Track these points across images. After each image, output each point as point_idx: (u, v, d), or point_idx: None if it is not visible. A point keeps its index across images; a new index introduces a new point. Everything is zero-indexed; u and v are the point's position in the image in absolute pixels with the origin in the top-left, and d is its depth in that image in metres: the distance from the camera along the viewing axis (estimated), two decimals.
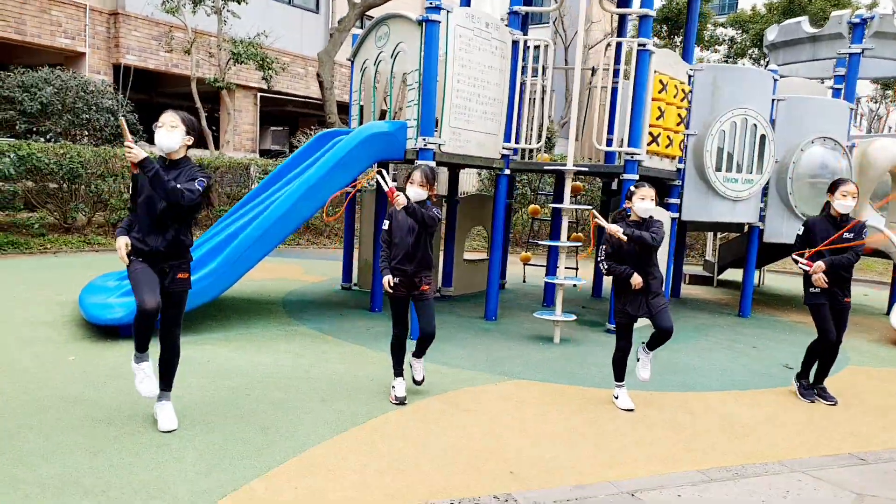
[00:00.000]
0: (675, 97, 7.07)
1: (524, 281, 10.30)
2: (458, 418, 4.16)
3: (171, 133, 3.51)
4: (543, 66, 6.87)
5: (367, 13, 15.83)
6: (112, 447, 3.36)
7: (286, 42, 19.36)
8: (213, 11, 13.61)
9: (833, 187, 4.90)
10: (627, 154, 6.67)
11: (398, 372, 4.51)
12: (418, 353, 4.59)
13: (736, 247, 10.84)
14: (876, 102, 20.29)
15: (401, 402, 4.35)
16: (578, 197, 10.40)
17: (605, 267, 4.56)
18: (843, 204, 4.81)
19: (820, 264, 4.75)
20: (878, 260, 13.12)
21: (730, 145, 7.64)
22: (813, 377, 5.20)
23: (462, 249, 8.69)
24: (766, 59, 10.68)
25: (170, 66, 16.76)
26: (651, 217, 4.58)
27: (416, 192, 4.25)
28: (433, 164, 5.90)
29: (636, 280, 4.40)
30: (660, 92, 6.81)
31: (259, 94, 19.57)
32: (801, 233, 4.94)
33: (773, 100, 8.00)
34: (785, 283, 12.22)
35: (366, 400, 4.37)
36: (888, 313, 8.69)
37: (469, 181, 14.85)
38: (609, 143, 6.81)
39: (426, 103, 5.85)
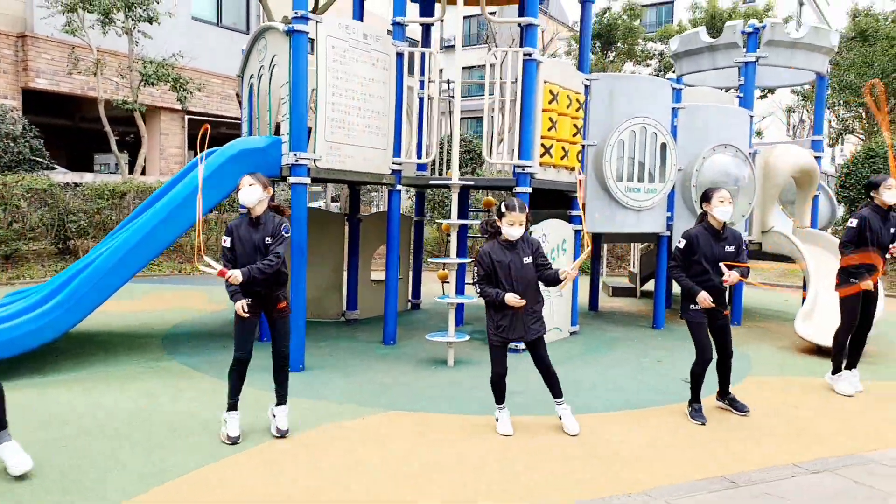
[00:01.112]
0: (568, 107, 6.91)
1: None
2: (301, 463, 3.76)
3: None
4: (430, 80, 6.63)
5: None
6: None
7: (216, 64, 18.84)
8: (124, 32, 13.07)
9: (707, 196, 4.72)
10: (518, 167, 6.46)
11: (232, 404, 4.06)
12: (281, 397, 4.18)
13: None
14: (794, 111, 20.85)
15: (234, 441, 3.93)
16: (490, 212, 10.18)
17: (478, 291, 4.27)
18: (723, 211, 4.62)
19: (735, 273, 4.53)
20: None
21: (630, 155, 7.51)
22: (718, 389, 5.00)
23: (368, 270, 8.33)
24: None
25: (85, 90, 16.05)
26: (529, 237, 4.30)
27: (246, 192, 3.90)
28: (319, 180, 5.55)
29: (511, 300, 4.09)
30: (550, 102, 6.63)
31: (187, 117, 18.97)
32: (681, 246, 4.70)
33: (672, 108, 7.94)
34: None
35: (202, 445, 3.94)
36: None
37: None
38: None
39: (295, 117, 5.51)
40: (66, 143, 21.24)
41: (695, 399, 4.75)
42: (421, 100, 8.23)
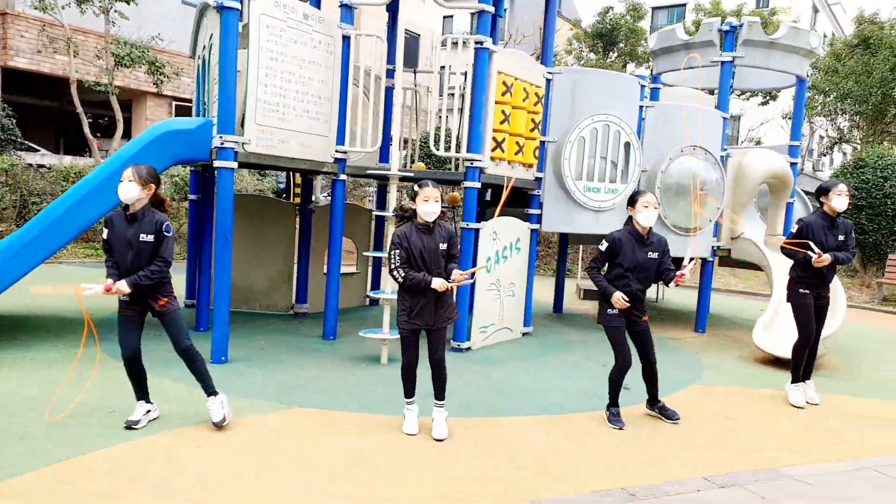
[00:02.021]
0: (524, 101, 6.65)
1: None
2: (174, 458, 3.54)
3: None
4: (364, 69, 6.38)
5: None
6: None
7: None
8: (101, 11, 12.87)
9: (632, 200, 4.50)
10: (467, 160, 6.22)
11: (138, 396, 4.01)
12: (206, 389, 4.03)
13: None
14: (789, 119, 20.26)
15: (129, 426, 3.89)
16: (457, 209, 9.93)
17: (401, 276, 3.94)
18: (646, 216, 4.40)
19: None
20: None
21: (591, 153, 7.25)
22: (647, 398, 4.79)
23: (321, 263, 8.09)
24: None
25: (67, 71, 15.88)
26: (446, 224, 4.09)
27: (123, 188, 3.71)
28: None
29: (439, 283, 3.88)
30: (503, 94, 6.37)
31: (175, 103, 18.78)
32: (603, 248, 4.48)
33: (641, 106, 7.67)
34: (685, 296, 11.89)
35: (83, 434, 3.73)
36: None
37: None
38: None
39: (223, 98, 5.28)
40: (60, 126, 21.06)
41: (612, 403, 4.58)
42: (389, 89, 8.02)
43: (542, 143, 7.16)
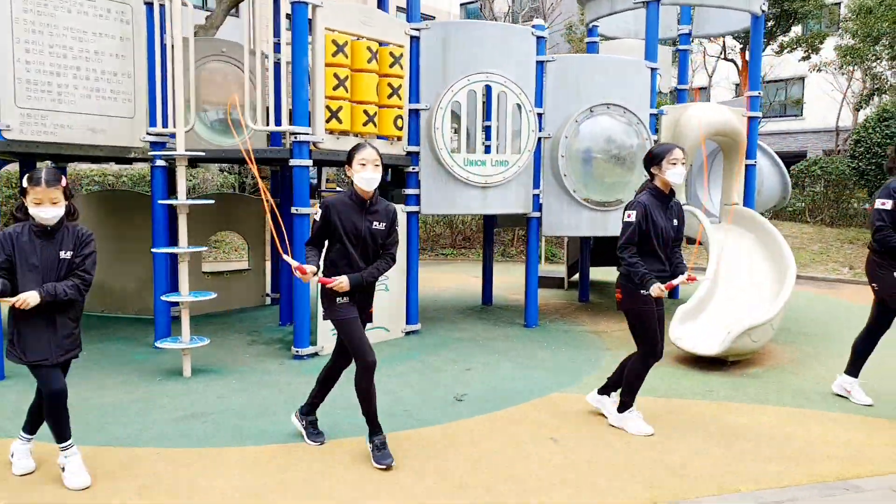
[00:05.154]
0: (369, 62, 5.67)
1: None
2: None
3: None
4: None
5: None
6: None
7: None
8: None
9: (350, 157, 3.50)
10: (293, 134, 5.33)
11: None
12: None
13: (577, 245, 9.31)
14: (822, 70, 17.59)
15: None
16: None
17: None
18: (363, 178, 3.44)
19: (343, 280, 3.42)
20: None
21: (469, 120, 6.19)
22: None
23: (198, 261, 7.40)
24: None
25: None
26: (79, 229, 3.15)
27: None
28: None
29: (25, 300, 2.93)
30: (334, 55, 5.43)
31: None
32: (317, 217, 3.54)
33: (538, 62, 6.51)
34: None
35: None
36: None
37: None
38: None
39: None
40: None
41: (307, 409, 3.75)
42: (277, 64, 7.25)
43: (414, 112, 6.16)
